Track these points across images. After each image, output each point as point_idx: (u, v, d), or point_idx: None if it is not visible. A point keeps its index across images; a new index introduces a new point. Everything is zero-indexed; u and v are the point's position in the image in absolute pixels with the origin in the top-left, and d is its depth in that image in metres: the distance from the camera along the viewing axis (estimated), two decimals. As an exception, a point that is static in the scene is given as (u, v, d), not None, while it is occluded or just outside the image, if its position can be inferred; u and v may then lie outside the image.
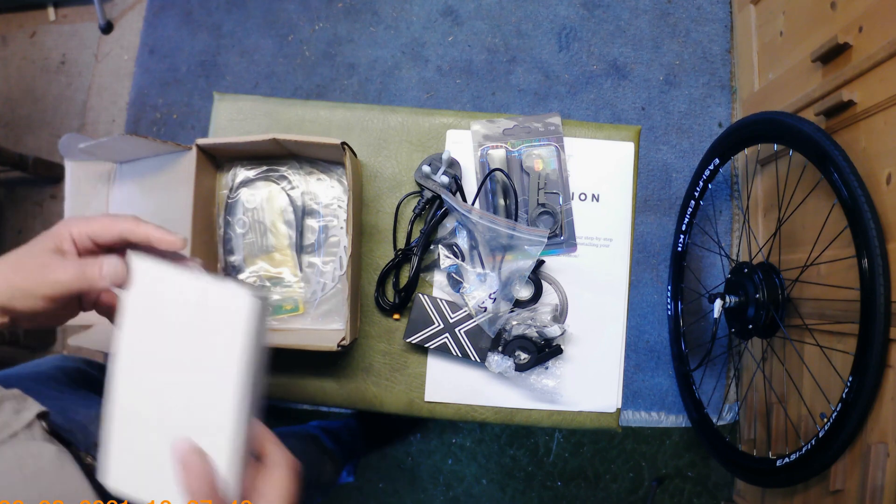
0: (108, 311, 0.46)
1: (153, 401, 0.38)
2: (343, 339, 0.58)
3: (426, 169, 0.66)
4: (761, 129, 0.93)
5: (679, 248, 1.18)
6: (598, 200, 0.67)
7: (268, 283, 0.67)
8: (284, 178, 0.67)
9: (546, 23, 1.36)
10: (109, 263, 0.41)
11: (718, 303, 0.98)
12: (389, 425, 1.25)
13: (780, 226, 0.99)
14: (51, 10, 1.50)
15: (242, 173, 0.67)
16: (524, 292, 0.64)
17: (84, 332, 0.60)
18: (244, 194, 0.67)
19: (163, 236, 0.44)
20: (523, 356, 0.63)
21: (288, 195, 0.66)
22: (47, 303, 0.40)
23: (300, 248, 0.66)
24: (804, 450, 0.82)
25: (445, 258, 0.64)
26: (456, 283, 0.64)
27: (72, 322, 0.47)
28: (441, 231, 0.66)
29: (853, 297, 0.80)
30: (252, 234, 0.67)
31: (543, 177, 0.66)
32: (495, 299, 0.63)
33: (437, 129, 0.68)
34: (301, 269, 0.66)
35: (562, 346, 0.64)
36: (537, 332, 0.63)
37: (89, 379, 0.67)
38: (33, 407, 0.44)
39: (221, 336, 0.37)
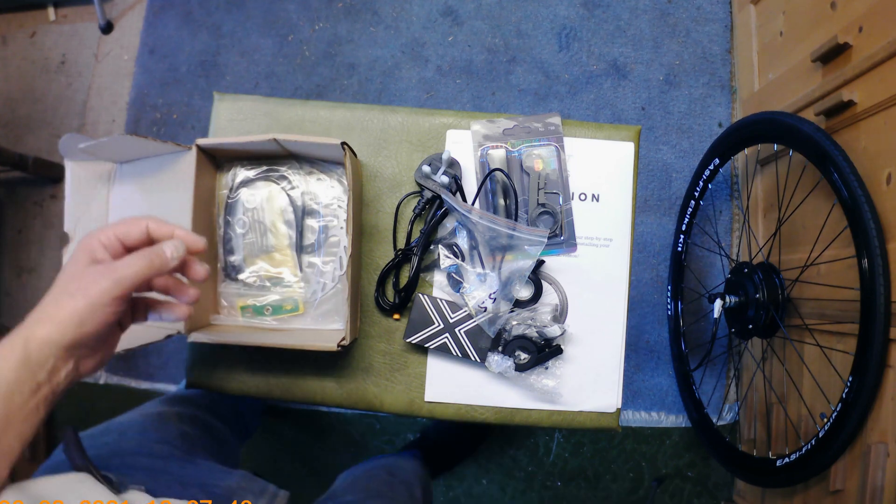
0: (161, 305, 0.49)
1: None
2: (343, 339, 0.58)
3: (426, 169, 0.66)
4: (761, 129, 0.93)
5: (679, 248, 1.18)
6: (598, 200, 0.67)
7: (268, 283, 0.67)
8: (284, 178, 0.67)
9: (546, 23, 1.36)
10: (170, 245, 0.43)
11: (718, 303, 0.98)
12: (451, 454, 1.21)
13: (780, 226, 0.99)
14: (51, 10, 1.50)
15: (242, 173, 0.67)
16: (524, 292, 0.64)
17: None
18: (244, 194, 0.67)
19: (188, 234, 0.45)
20: (523, 356, 0.63)
21: (288, 195, 0.66)
22: (117, 305, 0.40)
23: (300, 248, 0.66)
24: (804, 450, 0.82)
25: (445, 258, 0.63)
26: (456, 283, 0.64)
27: None
28: (441, 231, 0.66)
29: (853, 297, 0.80)
30: (252, 234, 0.67)
31: (543, 177, 0.66)
32: (495, 299, 0.63)
33: (437, 129, 0.68)
34: (301, 269, 0.66)
35: (562, 346, 0.64)
36: (537, 332, 0.63)
37: (206, 426, 0.73)
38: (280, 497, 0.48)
39: None
